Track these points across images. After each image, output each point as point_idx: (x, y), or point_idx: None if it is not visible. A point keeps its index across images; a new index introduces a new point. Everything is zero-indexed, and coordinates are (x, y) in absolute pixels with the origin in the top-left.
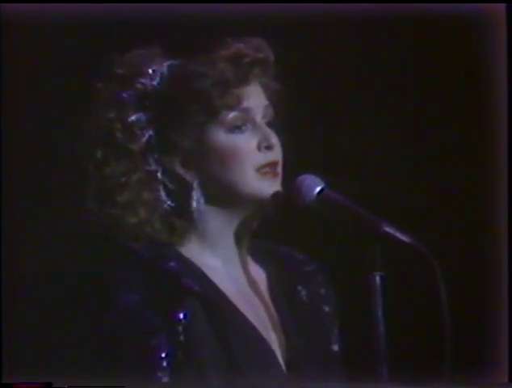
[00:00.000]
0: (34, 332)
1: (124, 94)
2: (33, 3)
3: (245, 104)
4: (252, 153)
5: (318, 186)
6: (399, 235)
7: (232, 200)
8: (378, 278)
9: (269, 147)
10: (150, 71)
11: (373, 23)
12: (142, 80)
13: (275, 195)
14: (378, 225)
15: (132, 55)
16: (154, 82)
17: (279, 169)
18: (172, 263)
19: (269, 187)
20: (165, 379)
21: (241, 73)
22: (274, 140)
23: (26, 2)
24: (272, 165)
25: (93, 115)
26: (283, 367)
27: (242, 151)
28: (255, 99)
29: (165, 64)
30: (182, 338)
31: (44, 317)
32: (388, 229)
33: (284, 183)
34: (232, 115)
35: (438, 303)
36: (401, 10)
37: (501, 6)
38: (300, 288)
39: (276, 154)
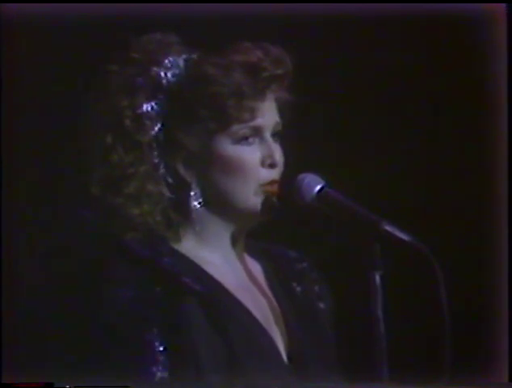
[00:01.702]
0: (33, 331)
1: (138, 80)
2: (33, 3)
3: (259, 121)
4: (255, 169)
5: (318, 185)
6: (399, 234)
7: (228, 208)
8: (378, 277)
9: (272, 165)
10: (166, 61)
11: (372, 24)
12: (157, 69)
13: (270, 208)
14: (378, 223)
15: (148, 40)
16: (169, 74)
17: (277, 187)
18: (167, 259)
19: (264, 204)
20: (163, 374)
21: (259, 88)
22: (279, 156)
23: (26, 2)
24: (272, 183)
25: (106, 99)
26: (285, 358)
27: (246, 165)
28: (269, 114)
29: (182, 56)
30: (179, 333)
31: (43, 316)
32: (387, 227)
33: (284, 182)
34: (243, 131)
35: (438, 302)
36: (401, 10)
37: (501, 6)
38: (294, 284)
39: (278, 173)
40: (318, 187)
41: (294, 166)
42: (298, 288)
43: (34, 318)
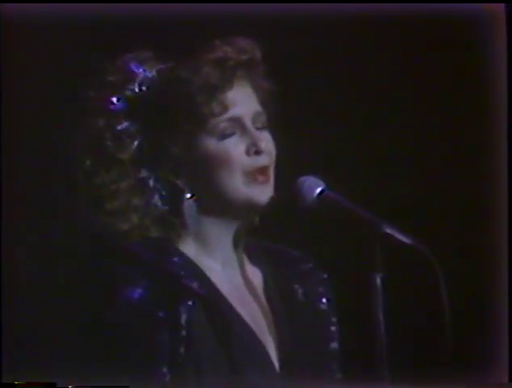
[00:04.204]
0: (35, 331)
1: (114, 102)
2: (33, 3)
3: (234, 112)
4: (240, 159)
5: (318, 187)
6: (399, 236)
7: (224, 205)
8: (378, 279)
9: (258, 152)
10: (140, 77)
11: (371, 22)
12: (132, 86)
13: (268, 200)
14: (378, 226)
15: (122, 61)
16: (143, 88)
17: (270, 173)
18: (176, 258)
19: (259, 193)
20: (168, 375)
21: (226, 77)
22: (264, 145)
23: (26, 2)
24: (262, 170)
25: (83, 124)
26: (276, 366)
27: (231, 156)
28: (244, 104)
29: (155, 68)
30: (184, 333)
31: (44, 315)
32: (388, 230)
33: (284, 185)
34: (221, 125)
35: (439, 303)
36: (401, 9)
37: (501, 6)
38: (296, 286)
39: (266, 159)
40: (319, 190)
41: (292, 165)
42: (300, 291)
43: (36, 318)
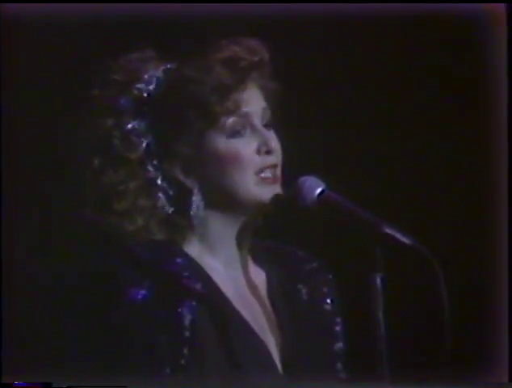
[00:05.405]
0: (35, 332)
1: (121, 101)
2: (33, 3)
3: (245, 109)
4: (251, 158)
5: (319, 187)
6: (399, 237)
7: (232, 204)
8: (378, 279)
9: (269, 152)
10: (146, 76)
11: (372, 22)
12: (138, 85)
13: (275, 198)
14: (379, 226)
15: (125, 60)
16: (150, 88)
17: (279, 172)
18: (180, 260)
19: (269, 192)
20: (171, 376)
21: (239, 78)
22: (274, 144)
23: (26, 2)
24: (271, 168)
25: (90, 123)
26: (280, 368)
27: (242, 156)
28: (254, 102)
29: (161, 68)
30: (187, 334)
31: (46, 316)
32: (388, 230)
33: (285, 184)
34: (231, 120)
35: (439, 304)
36: (401, 9)
37: (501, 6)
38: (300, 286)
39: (275, 158)
40: (319, 190)
41: (293, 164)
42: (304, 290)
43: (36, 319)
